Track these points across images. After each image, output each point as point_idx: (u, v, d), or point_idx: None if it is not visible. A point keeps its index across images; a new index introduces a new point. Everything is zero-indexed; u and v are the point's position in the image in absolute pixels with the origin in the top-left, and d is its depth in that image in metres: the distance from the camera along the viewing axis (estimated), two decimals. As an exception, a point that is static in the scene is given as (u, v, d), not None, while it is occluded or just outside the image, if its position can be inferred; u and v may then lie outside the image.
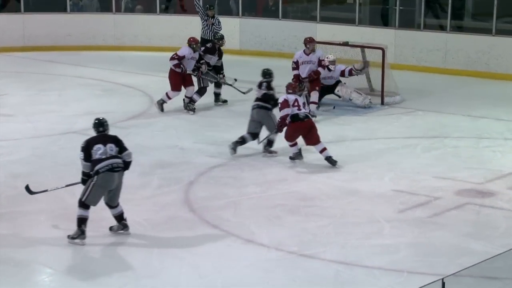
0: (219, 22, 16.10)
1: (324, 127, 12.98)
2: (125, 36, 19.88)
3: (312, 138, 11.08)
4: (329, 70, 13.92)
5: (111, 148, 8.52)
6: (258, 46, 19.27)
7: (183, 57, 13.74)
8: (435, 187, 10.08)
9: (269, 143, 11.56)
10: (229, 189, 10.09)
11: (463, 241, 8.48)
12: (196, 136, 12.44)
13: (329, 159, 10.96)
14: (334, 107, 14.15)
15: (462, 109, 14.09)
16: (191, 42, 13.92)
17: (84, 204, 8.45)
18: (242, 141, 11.53)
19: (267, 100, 11.55)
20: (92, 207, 8.45)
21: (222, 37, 14.53)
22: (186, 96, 13.89)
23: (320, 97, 14.06)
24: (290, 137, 11.21)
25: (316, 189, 10.08)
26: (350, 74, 14.03)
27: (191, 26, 16.76)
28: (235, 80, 14.31)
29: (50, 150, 11.66)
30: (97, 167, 8.41)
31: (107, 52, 19.32)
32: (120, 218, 8.65)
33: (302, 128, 11.10)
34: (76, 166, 10.77)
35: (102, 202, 8.57)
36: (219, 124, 13.19)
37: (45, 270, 8.00)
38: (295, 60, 13.75)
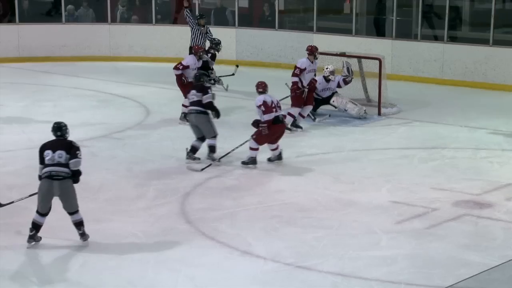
0: (210, 31, 16.15)
1: (322, 138, 12.98)
2: (121, 46, 19.84)
3: (277, 140, 11.30)
4: (328, 81, 13.89)
5: (60, 154, 8.44)
6: (254, 57, 19.24)
7: (188, 67, 13.63)
8: (433, 198, 10.02)
9: (193, 149, 11.52)
10: (226, 200, 10.03)
11: (460, 253, 8.43)
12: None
13: (279, 155, 11.25)
14: (329, 115, 14.11)
15: (459, 120, 14.06)
16: (197, 50, 13.85)
17: (37, 210, 8.46)
18: (192, 149, 11.53)
19: (206, 107, 11.51)
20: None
21: (219, 42, 14.56)
22: (184, 105, 13.77)
23: (316, 107, 14.02)
24: (263, 140, 11.22)
25: (313, 200, 10.02)
26: (345, 82, 13.99)
27: (186, 36, 16.69)
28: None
29: (45, 161, 11.56)
30: (41, 173, 8.39)
31: (103, 63, 19.26)
32: (76, 225, 8.56)
33: (279, 131, 11.24)
34: (71, 177, 10.76)
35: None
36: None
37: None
38: (303, 68, 13.39)
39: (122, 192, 10.34)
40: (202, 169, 11.21)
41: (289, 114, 13.28)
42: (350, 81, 14.10)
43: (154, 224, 9.24)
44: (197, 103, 11.48)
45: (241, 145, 11.53)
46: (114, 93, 16.05)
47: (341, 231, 9.02)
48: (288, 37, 18.95)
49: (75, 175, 8.48)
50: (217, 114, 11.57)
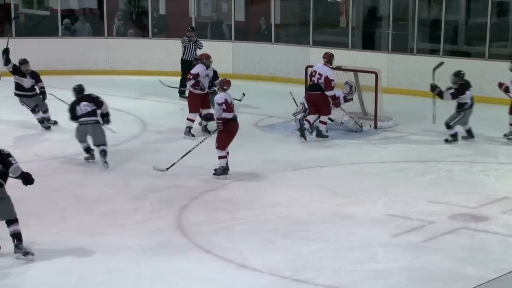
0: (199, 40, 16.48)
1: (318, 151, 12.98)
2: (117, 60, 19.85)
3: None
4: None
5: None
6: (251, 70, 19.26)
7: (198, 74, 13.60)
8: (429, 212, 10.02)
9: (87, 151, 12.14)
10: (222, 213, 10.02)
11: (457, 266, 8.42)
12: (187, 160, 12.35)
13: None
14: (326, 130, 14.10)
15: (455, 133, 14.05)
16: (202, 58, 13.82)
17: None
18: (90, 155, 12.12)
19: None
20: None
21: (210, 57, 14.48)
22: (189, 119, 13.67)
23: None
24: (225, 142, 11.39)
25: (310, 213, 10.01)
26: (345, 100, 13.99)
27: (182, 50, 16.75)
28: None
29: (41, 174, 11.49)
30: None
31: (99, 76, 19.24)
32: (13, 237, 8.47)
33: (235, 131, 11.41)
34: (67, 191, 10.78)
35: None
36: (211, 148, 13.09)
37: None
38: (333, 78, 13.52)
39: (119, 206, 10.33)
40: (167, 169, 11.37)
41: (322, 122, 13.48)
42: (351, 99, 14.09)
43: (150, 237, 9.22)
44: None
45: (189, 151, 11.73)
46: (111, 107, 15.86)
47: (338, 244, 9.01)
48: (284, 51, 18.98)
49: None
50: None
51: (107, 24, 20.01)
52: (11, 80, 18.59)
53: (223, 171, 11.38)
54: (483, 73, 16.84)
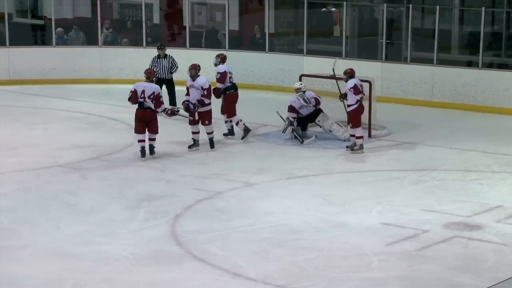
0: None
1: (312, 160, 12.98)
2: (111, 69, 19.84)
3: (153, 128, 12.77)
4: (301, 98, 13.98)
5: None
6: (245, 79, 19.22)
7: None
8: (423, 220, 10.03)
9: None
10: (216, 222, 10.01)
11: (451, 274, 8.42)
12: (182, 169, 12.36)
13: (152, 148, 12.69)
14: (316, 136, 14.13)
15: (449, 142, 14.09)
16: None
17: None
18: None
19: None
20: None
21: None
22: (194, 132, 13.63)
23: (303, 127, 14.08)
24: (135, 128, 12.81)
25: (304, 222, 10.01)
26: (316, 101, 14.05)
27: (177, 59, 16.73)
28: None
29: (35, 184, 11.55)
30: None
31: (93, 86, 19.25)
32: None
33: (145, 117, 12.66)
34: (61, 200, 10.78)
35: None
36: (205, 157, 13.12)
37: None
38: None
39: (112, 215, 10.31)
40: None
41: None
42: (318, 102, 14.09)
43: (144, 246, 9.21)
44: None
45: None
46: (105, 116, 16.03)
47: (332, 253, 9.01)
48: (278, 59, 19.01)
49: None
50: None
51: (101, 33, 20.01)
52: (5, 89, 18.59)
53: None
54: (476, 82, 16.89)
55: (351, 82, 13.48)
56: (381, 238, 9.43)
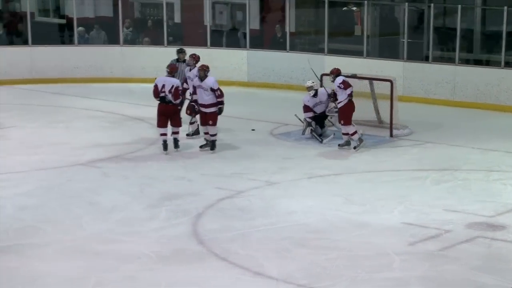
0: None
1: (333, 159, 12.97)
2: (132, 68, 19.90)
3: (176, 121, 13.05)
4: (315, 96, 13.94)
5: None
6: (266, 78, 19.27)
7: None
8: (446, 220, 9.98)
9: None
10: (237, 221, 10.01)
11: (474, 275, 8.37)
12: (203, 168, 12.38)
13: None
14: (334, 135, 14.11)
15: (471, 142, 14.01)
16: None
17: None
18: None
19: None
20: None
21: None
22: (206, 133, 13.65)
23: (320, 124, 14.04)
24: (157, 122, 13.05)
25: (325, 222, 9.99)
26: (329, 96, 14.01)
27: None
28: None
29: (57, 182, 11.61)
30: None
31: (115, 84, 19.32)
32: None
33: (167, 111, 12.93)
34: (83, 198, 10.82)
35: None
36: (227, 156, 13.13)
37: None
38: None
39: (134, 213, 10.34)
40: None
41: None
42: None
43: (166, 245, 9.22)
44: None
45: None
46: (126, 114, 16.09)
47: (354, 253, 8.98)
48: (299, 59, 18.96)
49: None
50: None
51: (122, 32, 20.07)
52: (27, 88, 18.71)
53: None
54: (499, 81, 16.80)
55: (339, 79, 13.48)
56: (403, 238, 9.39)
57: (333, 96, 13.80)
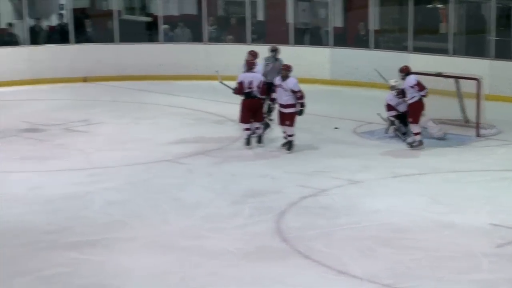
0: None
1: (418, 158, 12.81)
2: (216, 65, 20.01)
3: (259, 116, 13.21)
4: (397, 94, 13.75)
5: None
6: (349, 76, 19.15)
7: None
8: (536, 222, 9.76)
9: None
10: (321, 219, 9.99)
11: None
12: (286, 166, 12.39)
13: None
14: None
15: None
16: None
17: None
18: None
19: None
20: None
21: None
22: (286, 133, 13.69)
23: (405, 122, 13.87)
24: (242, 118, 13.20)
25: (410, 221, 9.87)
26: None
27: (281, 56, 16.76)
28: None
29: (143, 178, 11.79)
30: None
31: (199, 82, 19.49)
32: None
33: (253, 106, 13.08)
34: (168, 194, 10.97)
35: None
36: (310, 154, 13.10)
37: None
38: None
39: (218, 210, 10.43)
40: None
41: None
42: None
43: (249, 241, 9.27)
44: None
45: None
46: (211, 112, 16.22)
47: (439, 253, 8.85)
48: (384, 57, 18.78)
49: None
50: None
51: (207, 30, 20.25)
52: (114, 84, 19.05)
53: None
54: None
55: (413, 79, 13.29)
56: (491, 239, 9.20)
57: (401, 94, 13.63)
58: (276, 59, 14.95)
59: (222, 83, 14.44)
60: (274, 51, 15.12)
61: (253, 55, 14.45)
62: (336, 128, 14.69)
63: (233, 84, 13.76)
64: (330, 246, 9.10)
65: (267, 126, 13.99)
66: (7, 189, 11.19)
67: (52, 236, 9.35)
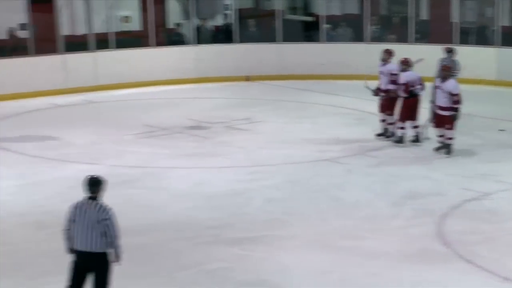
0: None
1: None
2: (376, 66, 19.83)
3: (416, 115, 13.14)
4: None
5: None
6: (518, 77, 18.46)
7: None
8: None
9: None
10: (485, 223, 9.71)
11: None
12: (449, 168, 12.11)
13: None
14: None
15: None
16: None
17: None
18: None
19: None
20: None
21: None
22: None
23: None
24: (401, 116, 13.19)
25: None
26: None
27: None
28: None
29: (303, 176, 11.86)
30: None
31: (360, 82, 19.31)
32: None
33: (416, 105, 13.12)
34: (328, 193, 10.98)
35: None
36: (474, 157, 12.74)
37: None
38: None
39: (378, 210, 10.34)
40: None
41: None
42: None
43: (410, 244, 9.15)
44: None
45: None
46: (371, 112, 16.08)
47: None
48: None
49: None
50: None
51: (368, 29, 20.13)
52: (276, 84, 19.27)
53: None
54: None
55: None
56: None
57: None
58: (453, 61, 14.49)
59: (368, 88, 14.25)
60: (450, 52, 14.67)
61: (389, 53, 14.26)
62: (501, 130, 14.22)
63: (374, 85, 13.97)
64: (495, 252, 8.84)
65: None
66: (172, 184, 11.55)
67: (214, 231, 9.58)
